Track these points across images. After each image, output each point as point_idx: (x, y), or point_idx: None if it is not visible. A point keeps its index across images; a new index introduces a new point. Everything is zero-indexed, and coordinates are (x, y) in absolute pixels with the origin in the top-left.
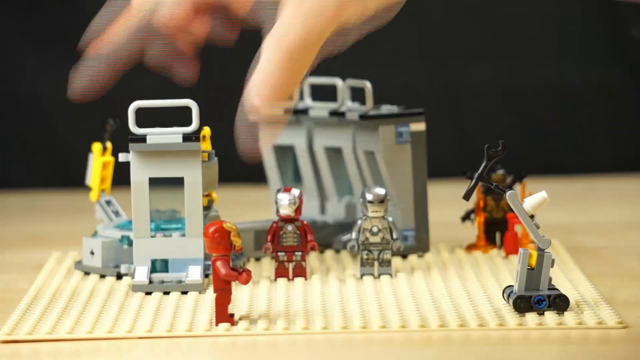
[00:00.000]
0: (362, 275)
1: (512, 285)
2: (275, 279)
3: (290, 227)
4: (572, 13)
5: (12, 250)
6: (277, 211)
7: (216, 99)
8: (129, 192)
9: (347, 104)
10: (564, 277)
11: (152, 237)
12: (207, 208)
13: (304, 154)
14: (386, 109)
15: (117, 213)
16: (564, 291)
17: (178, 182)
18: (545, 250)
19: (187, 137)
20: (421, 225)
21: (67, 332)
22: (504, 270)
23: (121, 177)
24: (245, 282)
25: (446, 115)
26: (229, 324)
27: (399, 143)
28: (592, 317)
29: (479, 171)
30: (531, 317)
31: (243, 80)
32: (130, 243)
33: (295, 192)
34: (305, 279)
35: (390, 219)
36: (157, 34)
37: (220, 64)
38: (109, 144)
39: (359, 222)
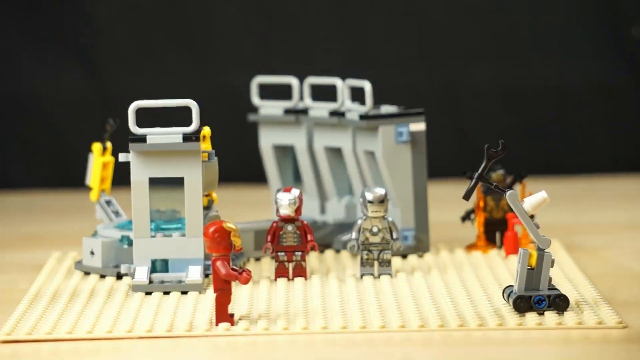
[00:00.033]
0: (362, 275)
1: (512, 285)
2: (275, 279)
3: (290, 227)
4: (572, 13)
5: (12, 250)
6: (277, 211)
7: (216, 99)
8: (129, 192)
9: (347, 104)
10: (564, 277)
11: (152, 237)
12: (207, 208)
13: (304, 154)
14: (386, 109)
15: (117, 213)
16: (564, 291)
17: (178, 182)
18: (545, 250)
19: (187, 137)
20: (421, 225)
21: (67, 332)
22: (504, 270)
23: (121, 177)
24: (245, 282)
25: (446, 115)
26: (229, 324)
27: (399, 143)
28: (592, 317)
29: (479, 171)
30: (531, 317)
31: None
32: (130, 243)
33: (295, 192)
34: (305, 279)
35: (390, 219)
36: None
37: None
38: (109, 144)
39: (359, 222)
